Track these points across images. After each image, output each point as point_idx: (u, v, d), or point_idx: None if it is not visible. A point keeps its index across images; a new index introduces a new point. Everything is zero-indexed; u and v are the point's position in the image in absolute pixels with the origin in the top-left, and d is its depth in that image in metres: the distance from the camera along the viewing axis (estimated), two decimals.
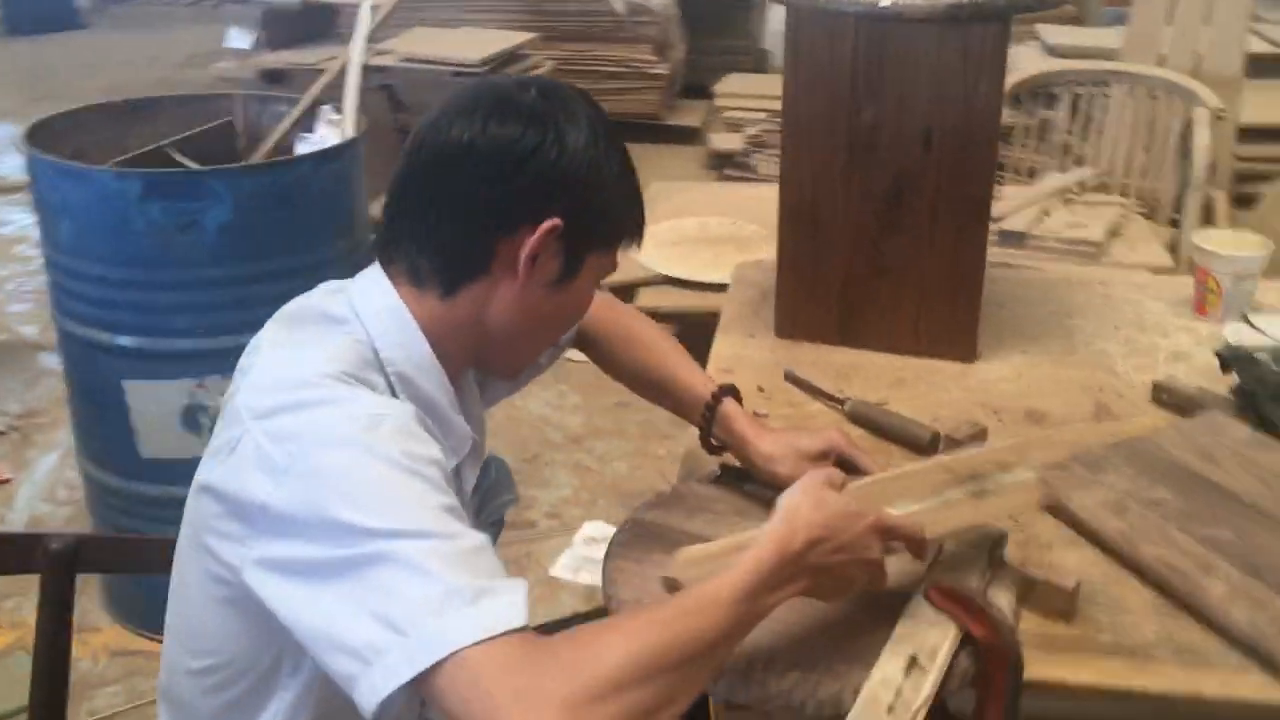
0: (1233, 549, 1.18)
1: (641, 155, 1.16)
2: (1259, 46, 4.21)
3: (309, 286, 2.17)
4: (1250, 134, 3.83)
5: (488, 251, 1.06)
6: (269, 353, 1.07)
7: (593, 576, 2.56)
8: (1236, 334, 1.72)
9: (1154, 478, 1.30)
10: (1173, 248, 3.09)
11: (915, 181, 1.58)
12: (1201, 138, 3.03)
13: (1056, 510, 1.29)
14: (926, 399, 1.56)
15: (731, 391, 1.34)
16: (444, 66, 4.27)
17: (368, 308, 1.08)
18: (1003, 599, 1.11)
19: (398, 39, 4.48)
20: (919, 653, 1.03)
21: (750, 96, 4.93)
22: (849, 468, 1.27)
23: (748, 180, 4.32)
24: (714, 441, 1.33)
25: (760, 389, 1.60)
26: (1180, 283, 1.93)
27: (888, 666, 1.02)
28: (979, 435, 1.41)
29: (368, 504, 0.89)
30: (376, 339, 1.06)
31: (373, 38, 4.82)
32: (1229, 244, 1.76)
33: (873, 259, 1.64)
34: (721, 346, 1.73)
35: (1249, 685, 1.05)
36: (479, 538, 0.91)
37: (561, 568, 2.64)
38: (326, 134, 2.38)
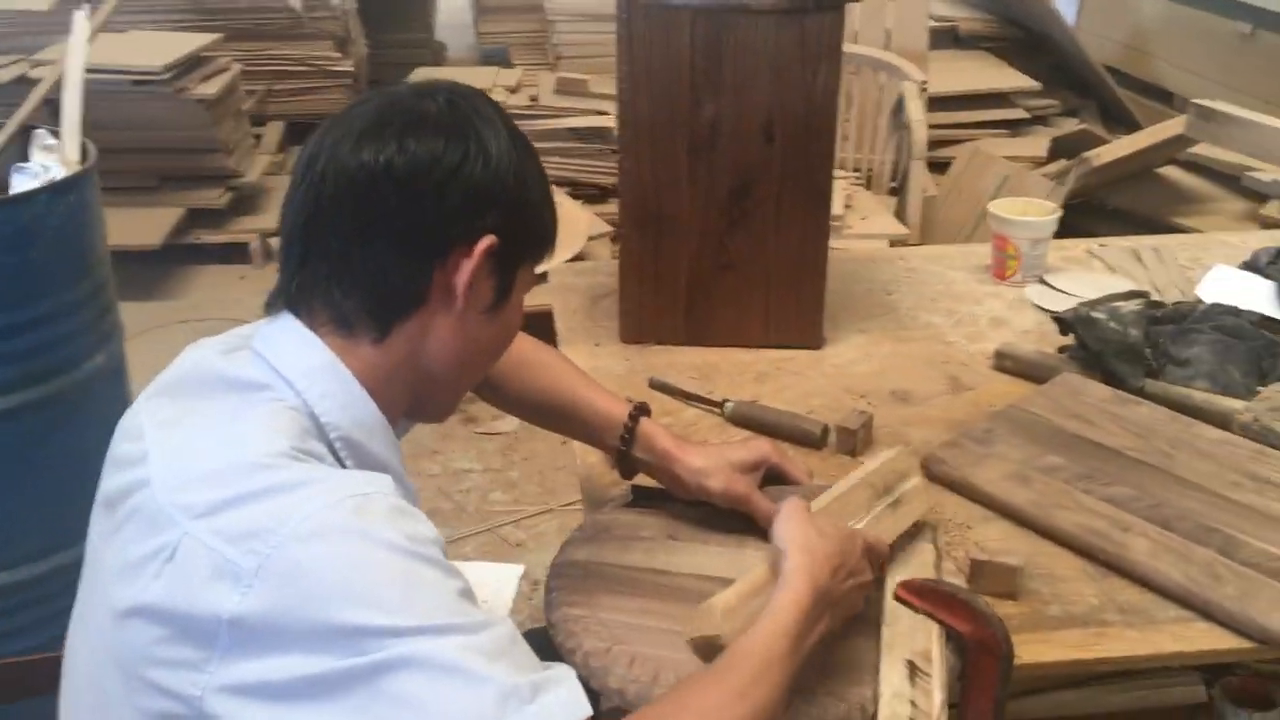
0: (1137, 505, 1.25)
1: None
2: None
3: (52, 340, 1.92)
4: (935, 102, 4.13)
5: (423, 283, 0.94)
6: (173, 434, 0.90)
7: None
8: (1039, 295, 1.83)
9: (1041, 445, 1.36)
10: (898, 215, 3.28)
11: (759, 175, 1.57)
12: (915, 110, 3.22)
13: (962, 488, 1.31)
14: (794, 390, 1.56)
15: (645, 410, 1.27)
16: (123, 76, 3.88)
17: (294, 367, 0.93)
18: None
19: (57, 47, 4.02)
20: (914, 658, 1.02)
21: None
22: (779, 479, 1.25)
23: None
24: (637, 460, 1.26)
25: (629, 399, 1.54)
26: (970, 251, 2.03)
27: (891, 678, 1.00)
28: (867, 423, 1.42)
29: (377, 599, 0.77)
30: (314, 403, 0.92)
31: (25, 47, 4.32)
32: (1021, 210, 1.87)
33: (718, 255, 1.62)
34: (573, 359, 1.65)
35: (1198, 636, 1.11)
36: (507, 624, 0.81)
37: None
38: (45, 162, 2.08)
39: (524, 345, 1.32)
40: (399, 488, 0.91)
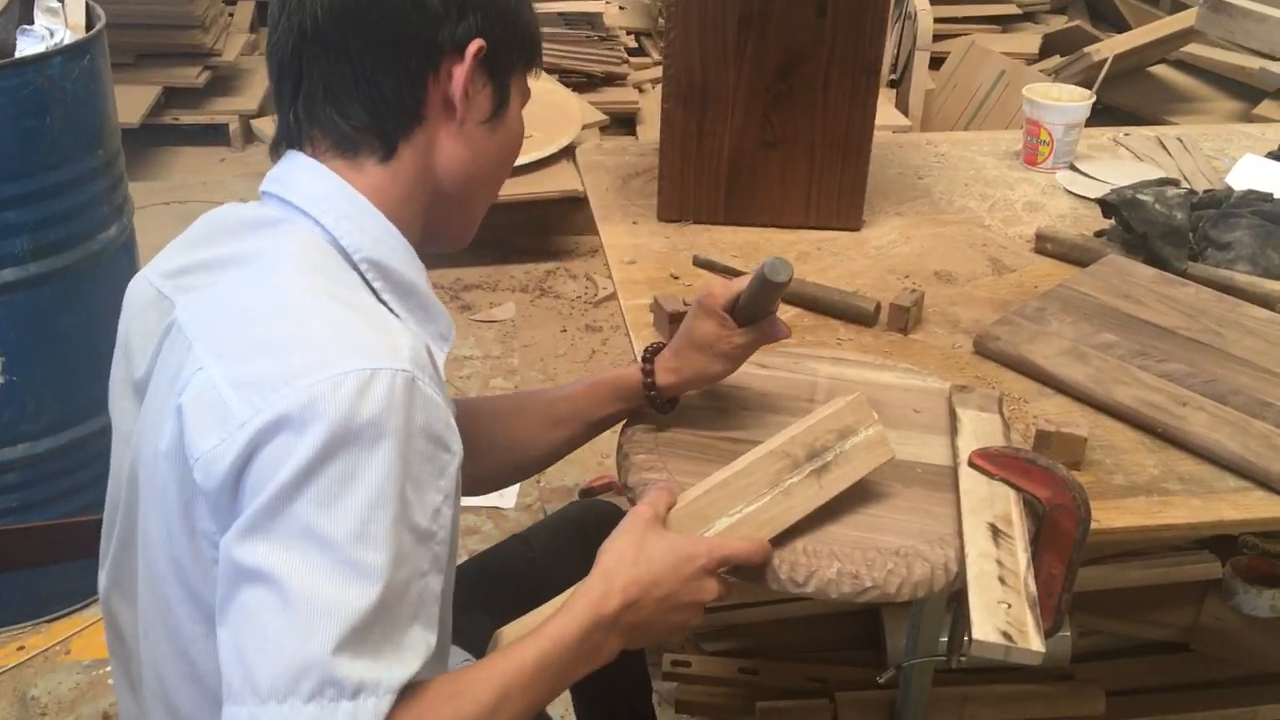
0: (1192, 381, 1.27)
1: None
2: None
3: (69, 211, 1.87)
4: None
5: (418, 95, 0.92)
6: (199, 279, 0.90)
7: None
8: (1071, 181, 1.83)
9: (1094, 323, 1.37)
10: (899, 107, 3.27)
11: (809, 49, 1.54)
12: (922, 2, 3.18)
13: (1018, 364, 1.33)
14: (838, 270, 1.56)
15: (655, 351, 1.18)
16: None
17: (306, 196, 0.90)
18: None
19: None
20: (995, 521, 1.04)
21: None
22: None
23: None
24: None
25: (674, 276, 1.54)
26: (998, 137, 2.03)
27: (977, 540, 1.02)
28: (919, 300, 1.43)
29: (331, 510, 0.76)
30: (332, 227, 0.90)
31: None
32: (1054, 95, 1.86)
33: (762, 132, 1.60)
34: (611, 237, 1.64)
35: (1257, 504, 1.14)
36: (419, 583, 0.80)
37: None
38: (50, 25, 2.00)
39: (482, 402, 1.30)
40: (427, 325, 0.92)
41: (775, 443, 1.04)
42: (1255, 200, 1.60)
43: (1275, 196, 1.64)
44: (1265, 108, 3.37)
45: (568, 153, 3.42)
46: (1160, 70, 3.89)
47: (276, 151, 0.95)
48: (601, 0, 4.22)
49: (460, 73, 0.92)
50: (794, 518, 1.03)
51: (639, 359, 1.18)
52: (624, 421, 1.20)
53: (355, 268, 0.89)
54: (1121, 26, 4.32)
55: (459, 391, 2.81)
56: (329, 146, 0.92)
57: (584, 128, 3.56)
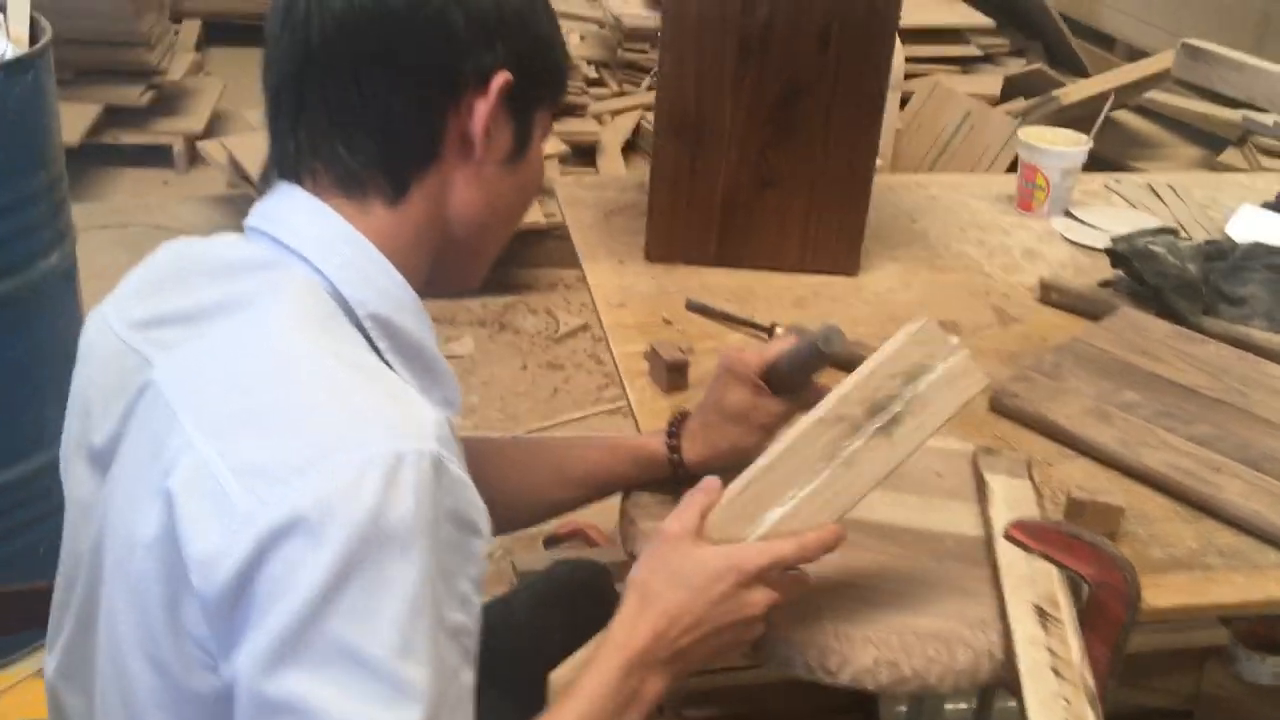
0: (1222, 445, 1.20)
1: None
2: None
3: (7, 236, 1.73)
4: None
5: (436, 130, 0.81)
6: (177, 332, 0.78)
7: None
8: (1067, 228, 1.77)
9: (1114, 380, 1.30)
10: None
11: (811, 83, 1.47)
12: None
13: (1039, 424, 1.25)
14: (837, 317, 1.48)
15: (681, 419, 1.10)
16: None
17: (305, 238, 0.79)
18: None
19: None
20: (1040, 602, 0.96)
21: None
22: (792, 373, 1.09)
23: None
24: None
25: (667, 321, 1.44)
26: (989, 181, 1.97)
27: (1024, 624, 0.94)
28: None
29: (367, 623, 0.65)
30: (334, 276, 0.78)
31: None
32: (1050, 139, 1.81)
33: (759, 170, 1.52)
34: (596, 277, 1.55)
35: None
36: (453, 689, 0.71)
37: None
38: None
39: (499, 445, 1.18)
40: (432, 391, 0.81)
41: (824, 408, 0.89)
42: (1265, 254, 1.55)
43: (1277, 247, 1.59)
44: (1229, 155, 3.37)
45: None
46: (1123, 116, 3.89)
47: (266, 183, 0.84)
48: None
49: (483, 108, 0.81)
50: (865, 489, 0.88)
51: (633, 420, 1.09)
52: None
53: (358, 324, 0.78)
54: (1079, 70, 4.33)
55: None
56: (332, 183, 0.81)
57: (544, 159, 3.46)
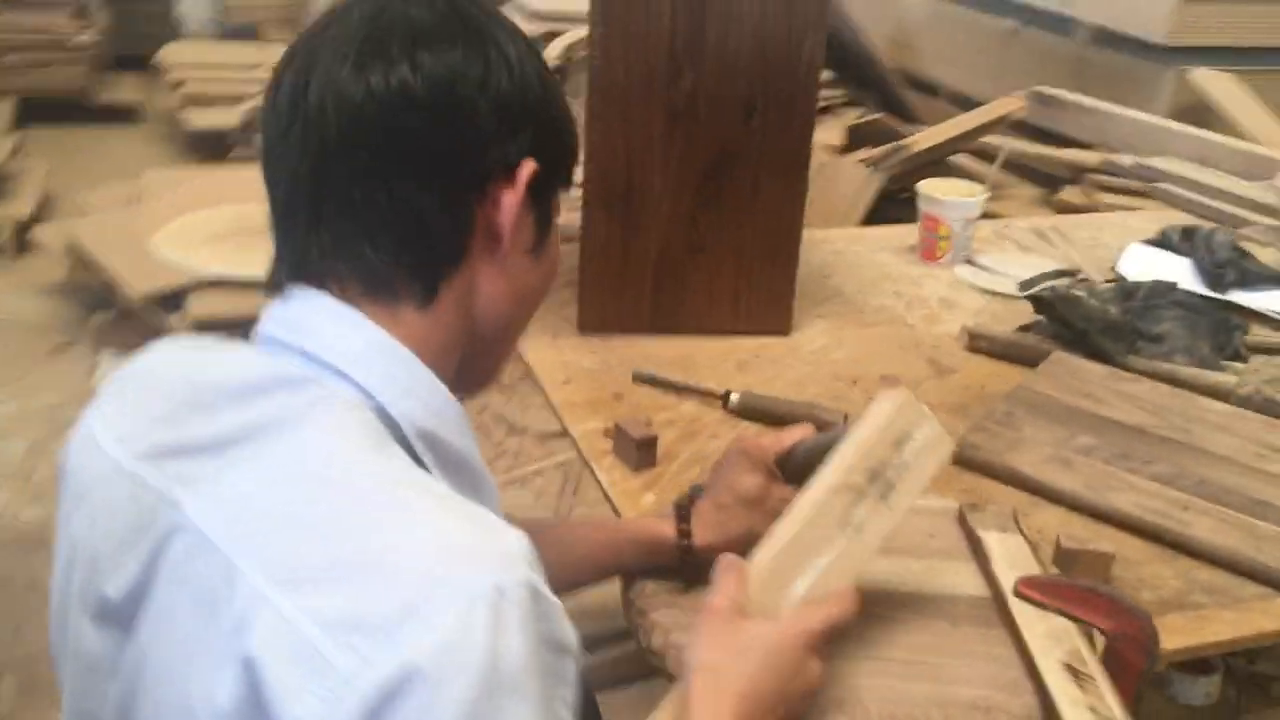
0: (1184, 483, 1.24)
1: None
2: None
3: None
4: None
5: (465, 225, 0.76)
6: (211, 468, 0.69)
7: None
8: (973, 275, 1.82)
9: (1066, 426, 1.33)
10: None
11: (737, 150, 1.47)
12: None
13: (1004, 475, 1.27)
14: (784, 379, 1.47)
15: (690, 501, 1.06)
16: None
17: (341, 351, 0.73)
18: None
19: None
20: (1069, 660, 0.96)
21: (214, 66, 4.42)
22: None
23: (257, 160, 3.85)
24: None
25: (617, 396, 1.41)
26: (888, 234, 2.01)
27: (1061, 685, 0.93)
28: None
29: None
30: (378, 393, 0.72)
31: None
32: (950, 191, 1.86)
33: (690, 236, 1.51)
34: (535, 353, 1.50)
35: None
36: None
37: None
38: None
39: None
40: (465, 485, 0.75)
41: (834, 477, 0.91)
42: (1167, 290, 1.62)
43: (1178, 284, 1.67)
44: (1067, 193, 3.54)
45: None
46: (961, 160, 4.06)
47: (275, 287, 0.77)
48: None
49: (511, 199, 0.76)
50: (871, 554, 0.91)
51: (608, 503, 1.05)
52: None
53: (403, 441, 0.72)
54: (912, 119, 4.51)
55: None
56: (359, 287, 0.74)
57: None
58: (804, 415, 1.35)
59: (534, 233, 0.80)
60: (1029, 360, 1.51)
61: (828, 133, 4.28)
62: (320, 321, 0.74)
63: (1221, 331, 1.55)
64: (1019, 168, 4.03)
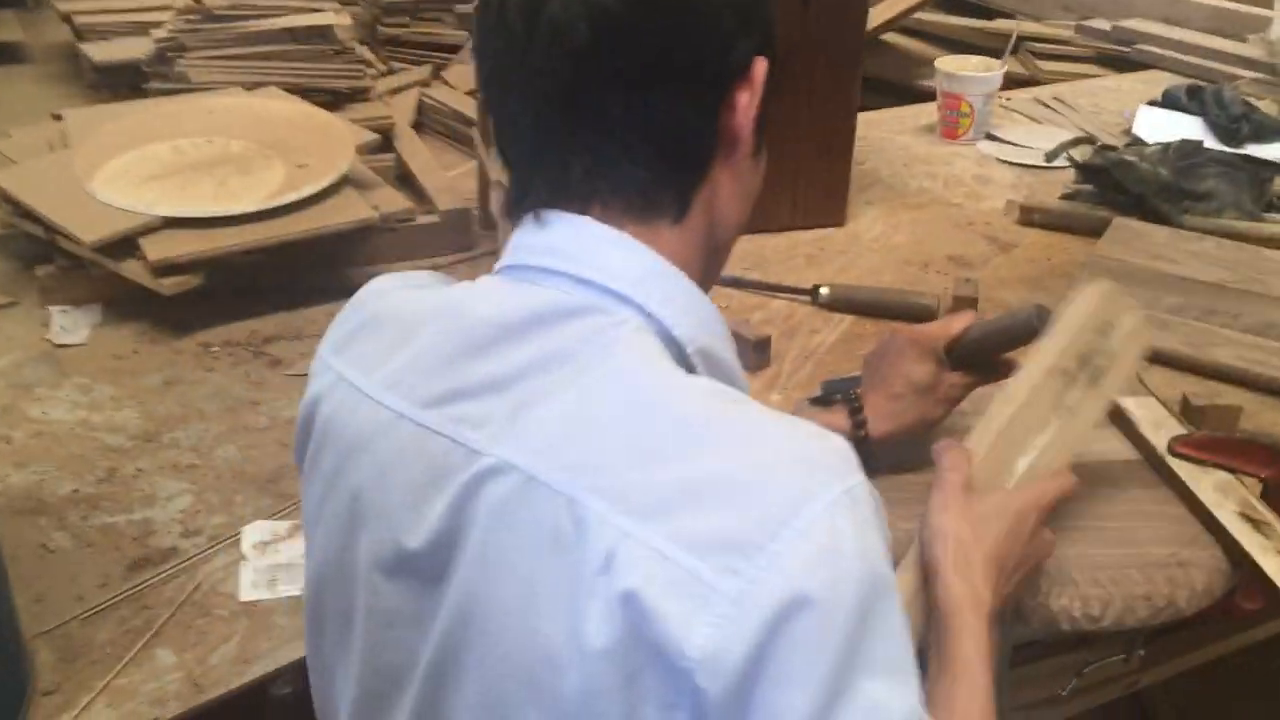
0: (1273, 332, 1.28)
1: None
2: None
3: None
4: None
5: (713, 131, 0.73)
6: (511, 404, 0.67)
7: (295, 586, 2.14)
8: (996, 150, 1.84)
9: (1150, 288, 1.36)
10: None
11: (794, 40, 1.45)
12: None
13: None
14: (859, 268, 1.48)
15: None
16: None
17: (620, 275, 0.70)
18: None
19: None
20: (1245, 510, 1.00)
21: None
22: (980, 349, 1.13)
23: (178, 92, 3.67)
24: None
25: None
26: (901, 114, 2.01)
27: (1246, 535, 0.97)
28: (973, 289, 1.37)
29: (889, 667, 0.61)
30: (661, 315, 0.70)
31: None
32: (968, 67, 1.86)
33: None
34: None
35: None
36: None
37: (253, 588, 2.15)
38: None
39: None
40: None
41: (1047, 360, 0.94)
42: (1194, 149, 1.66)
43: (1203, 143, 1.71)
44: (1009, 64, 3.59)
45: (346, 179, 3.15)
46: (892, 38, 4.06)
47: (523, 212, 0.74)
48: (330, 12, 3.90)
49: (747, 100, 0.74)
50: (1085, 435, 0.94)
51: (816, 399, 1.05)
52: None
53: (683, 361, 0.71)
54: None
55: None
56: (622, 208, 0.71)
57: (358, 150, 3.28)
58: (895, 302, 1.36)
59: (758, 133, 0.79)
60: (1083, 229, 1.54)
61: None
62: (593, 246, 0.71)
63: (1257, 184, 1.59)
64: (950, 44, 4.06)
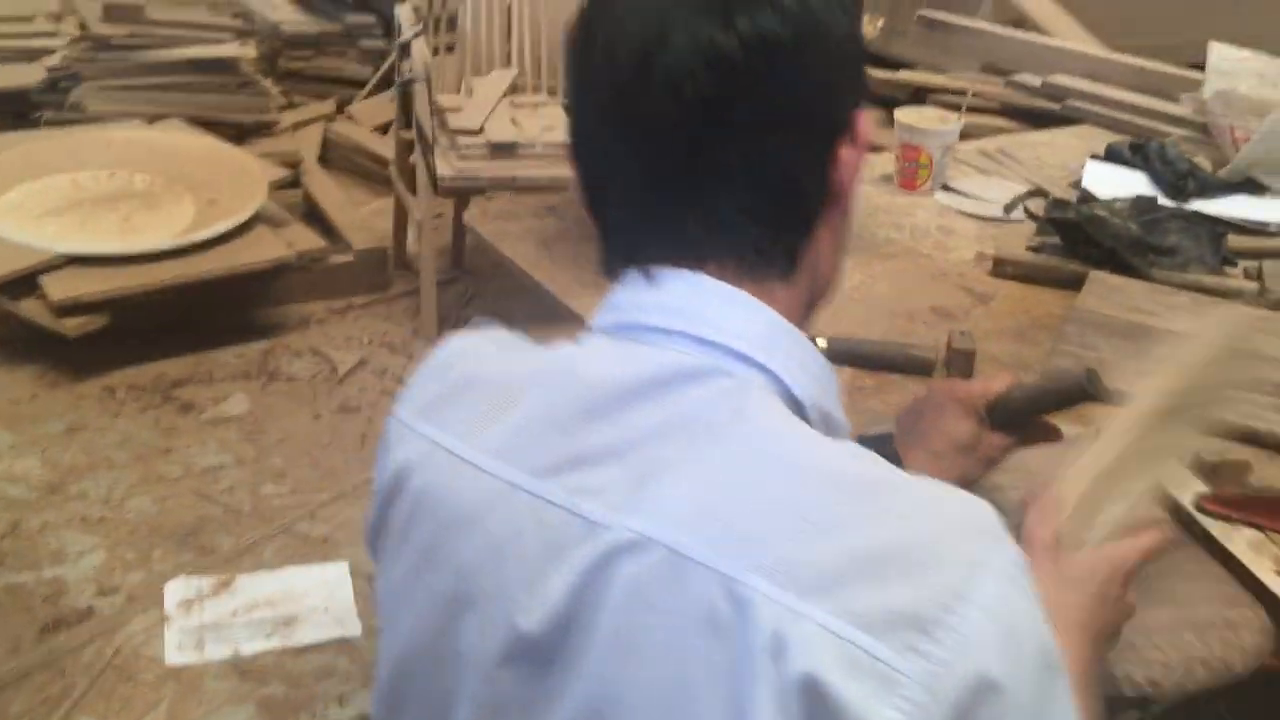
0: (1266, 387, 1.31)
1: None
2: None
3: None
4: None
5: (823, 185, 0.72)
6: (638, 477, 0.63)
7: (225, 646, 2.02)
8: (954, 201, 1.86)
9: (1137, 343, 1.38)
10: None
11: None
12: None
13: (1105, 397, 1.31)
14: (847, 319, 1.47)
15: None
16: None
17: (740, 334, 0.68)
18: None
19: None
20: (1279, 567, 1.01)
21: (10, 20, 3.97)
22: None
23: (73, 122, 3.49)
24: None
25: None
26: None
27: None
28: (970, 342, 1.37)
29: None
30: (782, 373, 0.68)
31: None
32: (927, 119, 1.88)
33: None
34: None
35: None
36: None
37: (179, 651, 2.02)
38: None
39: None
40: None
41: (1147, 405, 0.92)
42: (1149, 205, 1.70)
43: (1155, 198, 1.76)
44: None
45: (258, 216, 3.04)
46: None
47: (628, 267, 0.70)
48: (235, 43, 3.78)
49: (852, 154, 0.72)
50: (1172, 478, 0.95)
51: None
52: None
53: (806, 424, 0.68)
54: None
55: (228, 509, 2.38)
56: (736, 264, 0.69)
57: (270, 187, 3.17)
58: (897, 355, 1.35)
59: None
60: (1056, 281, 1.57)
61: None
62: (713, 305, 0.68)
63: (1215, 238, 1.64)
64: None
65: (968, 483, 1.02)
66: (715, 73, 0.66)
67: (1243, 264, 1.65)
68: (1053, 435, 1.02)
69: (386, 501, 0.72)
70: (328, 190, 3.61)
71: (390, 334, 3.09)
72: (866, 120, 0.73)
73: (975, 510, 0.62)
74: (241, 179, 3.11)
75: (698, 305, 0.68)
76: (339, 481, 2.50)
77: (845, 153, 0.72)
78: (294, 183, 3.61)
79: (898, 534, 0.59)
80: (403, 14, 3.00)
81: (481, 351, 0.74)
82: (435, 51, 3.08)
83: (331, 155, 4.01)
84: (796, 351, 0.69)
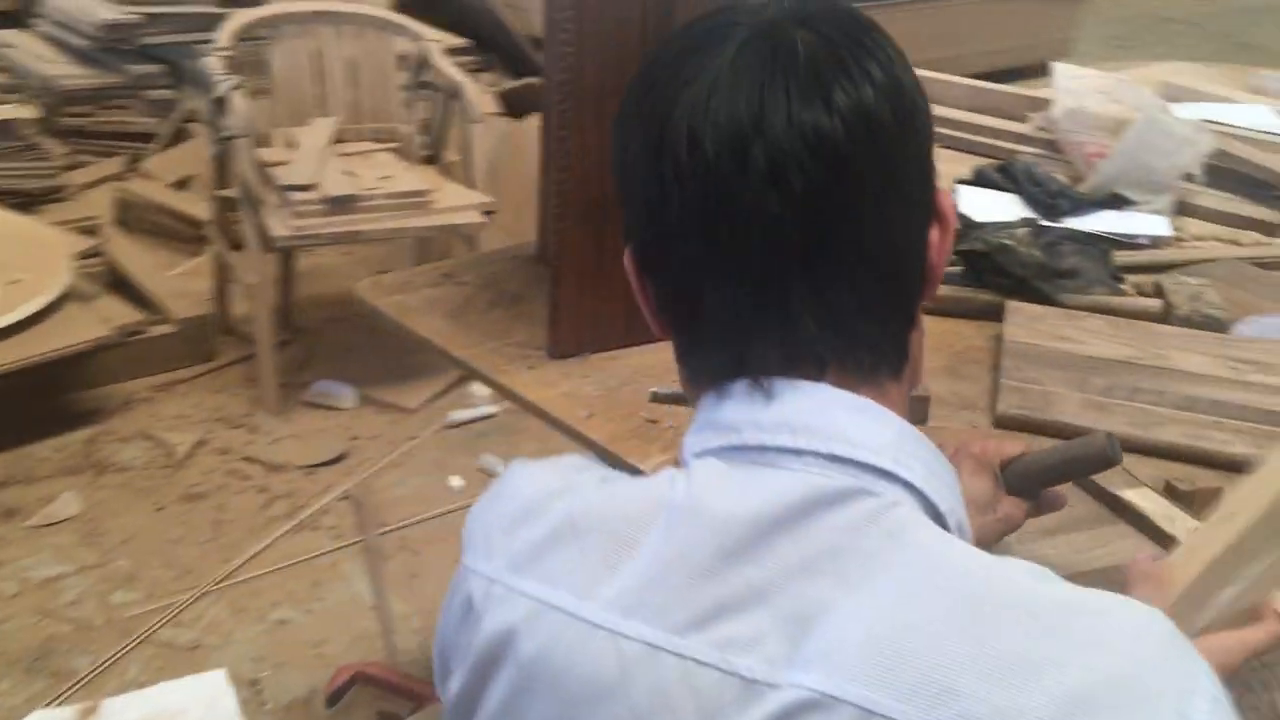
0: (1200, 406, 1.34)
1: None
2: None
3: None
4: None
5: (923, 264, 0.67)
6: (817, 627, 0.56)
7: None
8: None
9: (1069, 371, 1.39)
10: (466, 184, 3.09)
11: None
12: (453, 71, 3.03)
13: (1050, 429, 1.31)
14: None
15: None
16: None
17: (873, 448, 0.62)
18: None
19: None
20: None
21: None
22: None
23: None
24: None
25: (651, 420, 1.30)
26: None
27: None
28: (923, 390, 1.35)
29: None
30: (921, 485, 0.62)
31: None
32: None
33: None
34: (530, 391, 1.35)
35: None
36: None
37: None
38: None
39: None
40: None
41: (1258, 500, 0.82)
42: (1041, 229, 1.74)
43: (1038, 220, 1.80)
44: None
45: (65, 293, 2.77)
46: None
47: (733, 381, 0.64)
48: (12, 105, 3.46)
49: (939, 235, 0.67)
50: None
51: None
52: None
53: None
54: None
55: (78, 624, 2.14)
56: (854, 367, 0.63)
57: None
58: None
59: None
60: (969, 312, 1.57)
61: (488, 100, 4.17)
62: (841, 417, 0.62)
63: (1105, 257, 1.69)
64: None
65: (984, 546, 0.99)
66: (819, 158, 0.60)
67: (1130, 279, 1.70)
68: (1060, 504, 1.00)
69: (482, 675, 0.62)
70: (132, 255, 3.35)
71: (226, 408, 2.88)
72: (947, 198, 0.68)
73: (1163, 626, 0.57)
74: (41, 253, 2.84)
75: (825, 419, 0.62)
76: (198, 578, 2.29)
77: (934, 234, 0.68)
78: (94, 251, 3.33)
79: (1105, 667, 0.54)
80: (212, 65, 2.81)
81: (575, 485, 0.65)
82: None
83: (129, 217, 3.72)
84: (926, 457, 0.64)
